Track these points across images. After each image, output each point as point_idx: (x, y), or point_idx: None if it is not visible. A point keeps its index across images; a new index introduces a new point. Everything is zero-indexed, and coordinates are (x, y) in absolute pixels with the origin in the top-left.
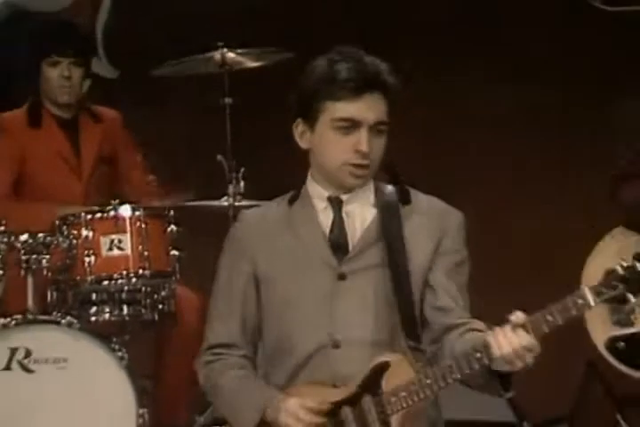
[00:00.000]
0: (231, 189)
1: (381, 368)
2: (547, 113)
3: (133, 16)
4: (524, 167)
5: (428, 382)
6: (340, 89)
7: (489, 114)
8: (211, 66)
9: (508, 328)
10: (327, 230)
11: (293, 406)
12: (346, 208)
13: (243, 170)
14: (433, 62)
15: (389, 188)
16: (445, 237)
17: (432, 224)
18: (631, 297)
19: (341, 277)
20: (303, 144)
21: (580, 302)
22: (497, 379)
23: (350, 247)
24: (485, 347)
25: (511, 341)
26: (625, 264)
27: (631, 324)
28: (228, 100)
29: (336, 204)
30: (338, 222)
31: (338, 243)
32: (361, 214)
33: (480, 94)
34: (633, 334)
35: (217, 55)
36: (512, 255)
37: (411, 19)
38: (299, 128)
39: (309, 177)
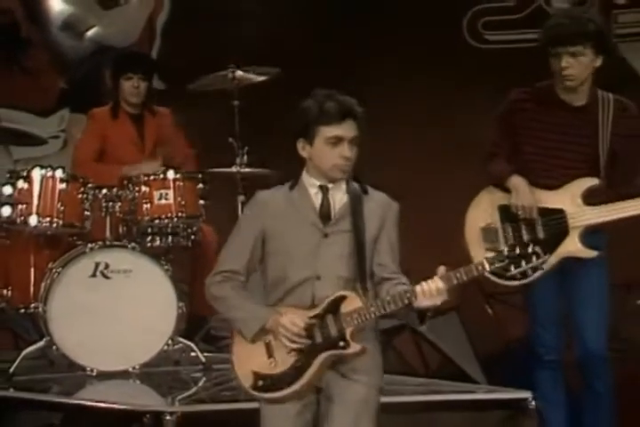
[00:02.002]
0: (238, 160)
1: (341, 299)
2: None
3: (175, 47)
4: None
5: (372, 309)
6: (330, 118)
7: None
8: (225, 80)
9: (430, 279)
10: (317, 206)
11: (288, 320)
12: (330, 193)
13: (246, 148)
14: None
15: (354, 183)
16: (388, 219)
17: (380, 209)
18: (512, 268)
19: (325, 235)
20: (304, 154)
21: (480, 267)
22: (416, 314)
23: (332, 217)
24: (413, 290)
25: (430, 285)
26: (509, 245)
27: (496, 248)
28: (236, 103)
29: (325, 190)
30: (325, 201)
31: (324, 214)
32: (339, 197)
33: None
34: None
35: (229, 73)
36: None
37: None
38: (300, 144)
39: (304, 172)
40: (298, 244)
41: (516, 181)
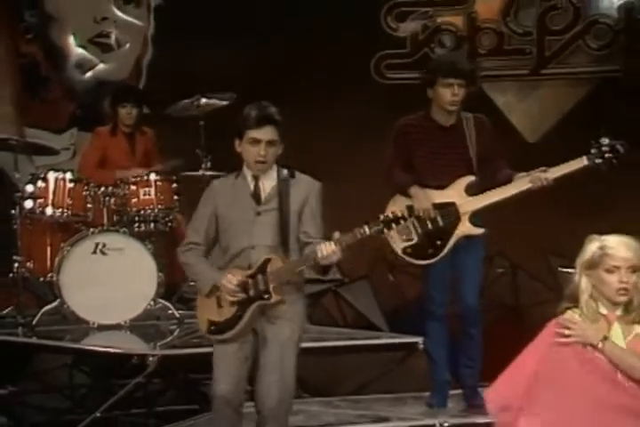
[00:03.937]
0: (203, 166)
1: (267, 261)
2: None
3: (156, 80)
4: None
5: (289, 267)
6: (251, 123)
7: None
8: (192, 106)
9: (327, 242)
10: (252, 191)
11: (227, 280)
12: (261, 181)
13: (209, 157)
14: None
15: (284, 170)
16: (310, 195)
17: (304, 189)
18: (386, 231)
19: (258, 213)
20: (239, 150)
21: (362, 231)
22: (321, 268)
23: (263, 199)
24: (315, 251)
25: (327, 248)
26: (385, 215)
27: (411, 239)
28: (201, 123)
29: (256, 178)
30: (256, 187)
31: (256, 197)
32: (268, 183)
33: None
34: (413, 245)
35: (195, 100)
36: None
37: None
38: (237, 142)
39: (244, 164)
40: (239, 221)
41: (415, 191)
